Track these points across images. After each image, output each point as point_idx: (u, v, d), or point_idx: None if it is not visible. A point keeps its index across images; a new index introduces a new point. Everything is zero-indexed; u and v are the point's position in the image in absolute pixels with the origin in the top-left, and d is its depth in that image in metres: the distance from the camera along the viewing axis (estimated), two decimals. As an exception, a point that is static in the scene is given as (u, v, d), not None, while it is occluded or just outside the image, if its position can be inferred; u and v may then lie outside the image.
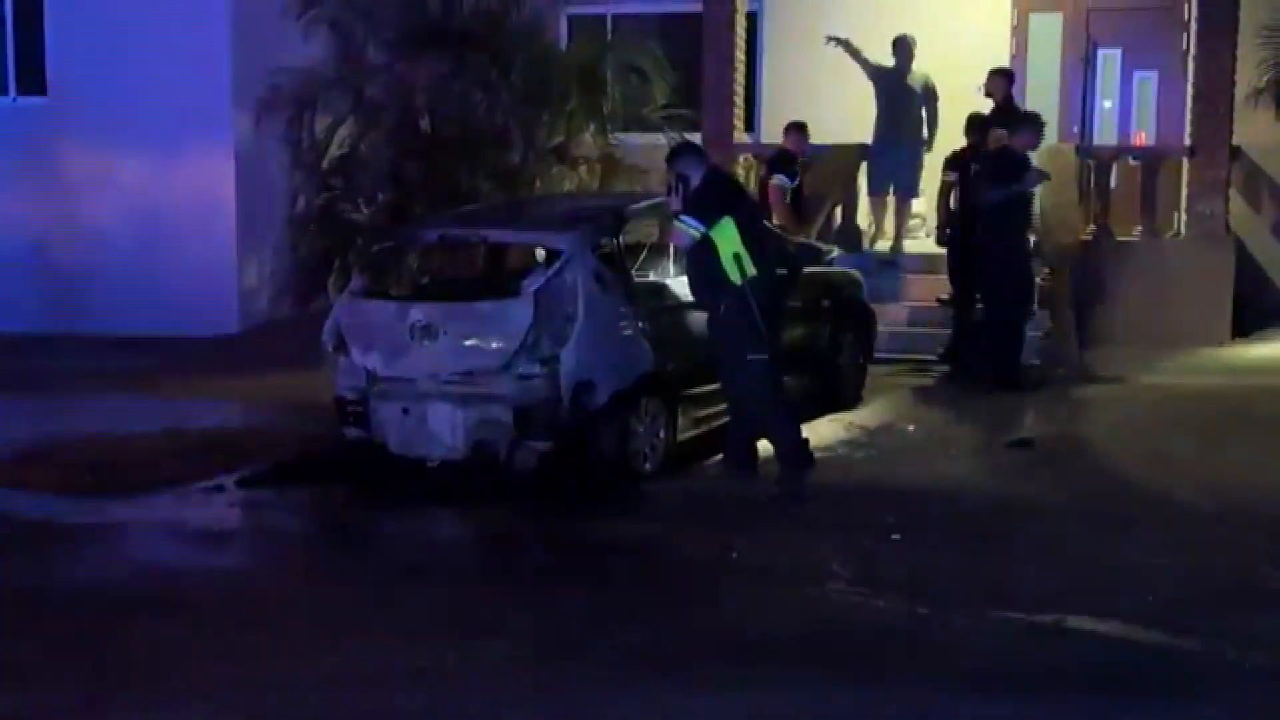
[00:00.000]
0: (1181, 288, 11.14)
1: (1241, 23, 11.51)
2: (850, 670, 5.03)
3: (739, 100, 12.73)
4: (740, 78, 12.75)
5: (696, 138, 12.50)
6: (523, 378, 7.34)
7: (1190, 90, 11.98)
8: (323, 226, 12.35)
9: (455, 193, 11.64)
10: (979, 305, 10.69)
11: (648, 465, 7.64)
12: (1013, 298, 9.98)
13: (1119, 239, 11.67)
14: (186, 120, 12.82)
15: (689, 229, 7.37)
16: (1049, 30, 13.37)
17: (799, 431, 7.61)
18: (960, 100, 11.49)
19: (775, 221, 10.58)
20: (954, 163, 10.75)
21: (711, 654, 5.19)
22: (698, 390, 8.08)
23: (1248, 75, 11.64)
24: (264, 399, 9.76)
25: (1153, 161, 11.92)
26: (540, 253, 7.80)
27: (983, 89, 11.46)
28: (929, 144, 12.09)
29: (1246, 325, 11.30)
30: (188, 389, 10.34)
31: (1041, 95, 13.16)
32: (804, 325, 9.05)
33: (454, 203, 11.29)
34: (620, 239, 8.05)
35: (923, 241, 12.19)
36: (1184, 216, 11.97)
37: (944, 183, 10.81)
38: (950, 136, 11.24)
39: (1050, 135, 12.81)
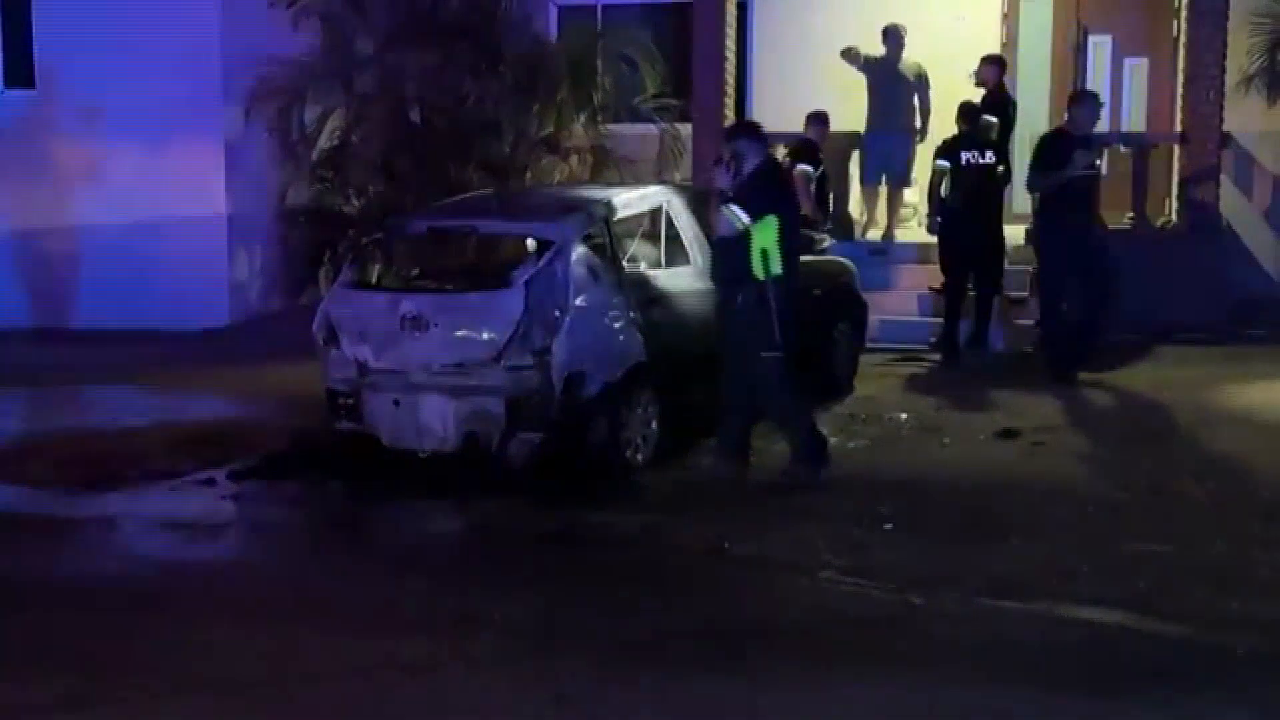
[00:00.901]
0: (1174, 275, 11.14)
1: (1232, 9, 11.51)
2: (842, 659, 5.03)
3: (730, 89, 12.71)
4: (731, 67, 12.72)
5: (687, 128, 12.52)
6: (514, 369, 7.32)
7: (1181, 77, 11.97)
8: (313, 218, 12.38)
9: (445, 184, 11.64)
10: (971, 293, 10.72)
11: (640, 456, 7.63)
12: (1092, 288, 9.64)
13: (1111, 226, 11.66)
14: (176, 112, 12.75)
15: (735, 219, 7.24)
16: (1040, 17, 13.36)
17: (812, 427, 7.54)
18: (952, 88, 11.48)
19: (803, 210, 10.64)
20: (945, 151, 10.74)
21: (704, 643, 5.19)
22: (690, 380, 8.07)
23: (1239, 62, 11.64)
24: (255, 392, 9.75)
25: (1144, 149, 11.93)
26: (531, 243, 7.77)
27: (974, 76, 11.48)
28: (922, 132, 12.08)
29: (1238, 312, 11.30)
30: (178, 382, 10.32)
31: (1033, 83, 13.17)
32: (795, 313, 9.03)
33: (444, 194, 11.28)
34: (611, 229, 8.03)
35: (914, 230, 12.19)
36: (1176, 204, 11.98)
37: (935, 171, 10.80)
38: (944, 125, 11.23)
39: (1040, 123, 12.86)
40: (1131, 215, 11.72)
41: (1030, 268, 11.34)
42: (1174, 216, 12.00)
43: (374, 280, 8.03)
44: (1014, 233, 11.32)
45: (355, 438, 7.73)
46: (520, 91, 12.05)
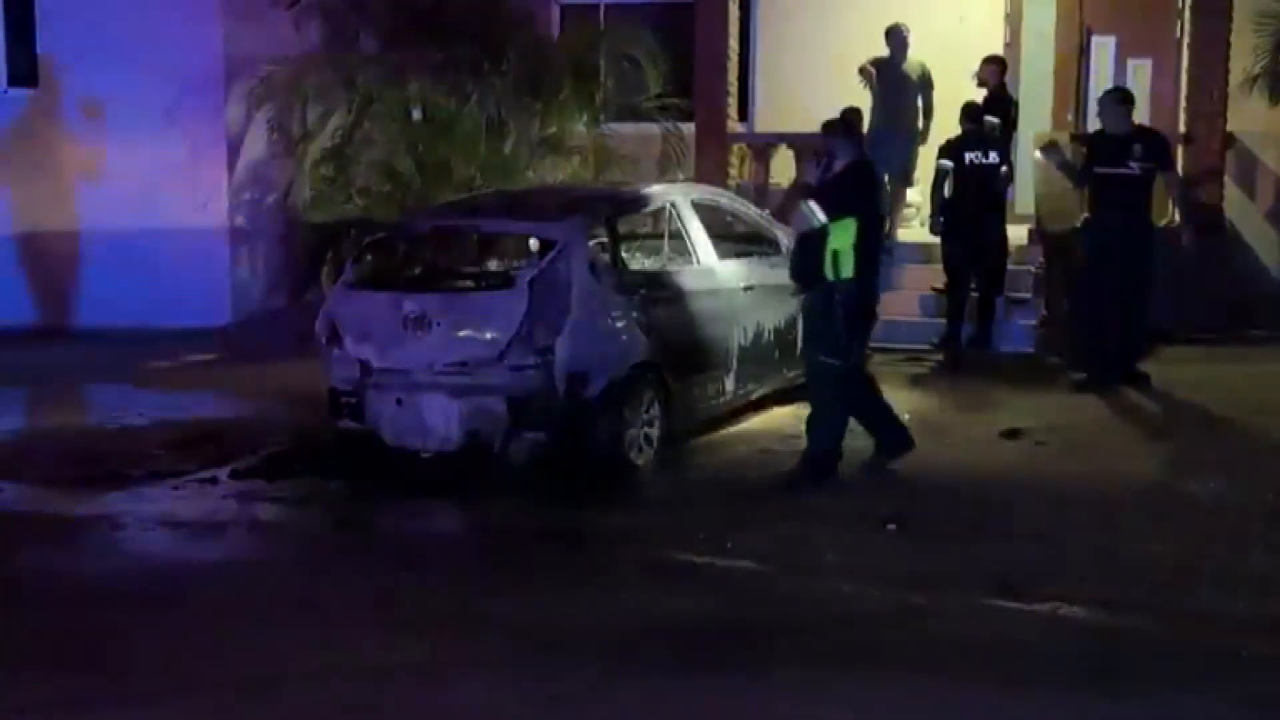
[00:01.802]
0: (1177, 275, 11.12)
1: (1235, 9, 11.49)
2: (844, 659, 5.02)
3: (732, 89, 12.69)
4: (734, 67, 12.71)
5: (689, 127, 12.51)
6: (517, 368, 7.32)
7: (1185, 77, 11.96)
8: (315, 217, 12.35)
9: (448, 182, 11.64)
10: (974, 293, 10.70)
11: (642, 455, 7.62)
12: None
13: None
14: (178, 110, 12.76)
15: (812, 215, 7.13)
16: (1043, 17, 13.34)
17: (834, 449, 7.37)
18: (955, 89, 11.47)
19: None
20: (948, 151, 10.73)
21: (706, 643, 5.18)
22: (694, 380, 8.07)
23: (1242, 62, 11.62)
24: (257, 391, 9.74)
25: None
26: (534, 243, 7.77)
27: (975, 77, 11.47)
28: (924, 133, 12.07)
29: (1240, 312, 11.28)
30: (180, 381, 10.32)
31: (1036, 83, 13.15)
32: (798, 314, 9.03)
33: (447, 192, 11.29)
34: (615, 229, 8.03)
35: (917, 230, 12.18)
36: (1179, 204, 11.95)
37: (938, 171, 10.79)
38: (947, 125, 11.21)
39: (1043, 123, 12.85)
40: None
41: (1033, 268, 11.34)
42: (1177, 217, 11.98)
43: (377, 279, 8.03)
44: (1017, 233, 11.31)
45: (358, 437, 7.73)
46: (523, 90, 12.04)
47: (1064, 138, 12.00)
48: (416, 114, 12.12)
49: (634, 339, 7.66)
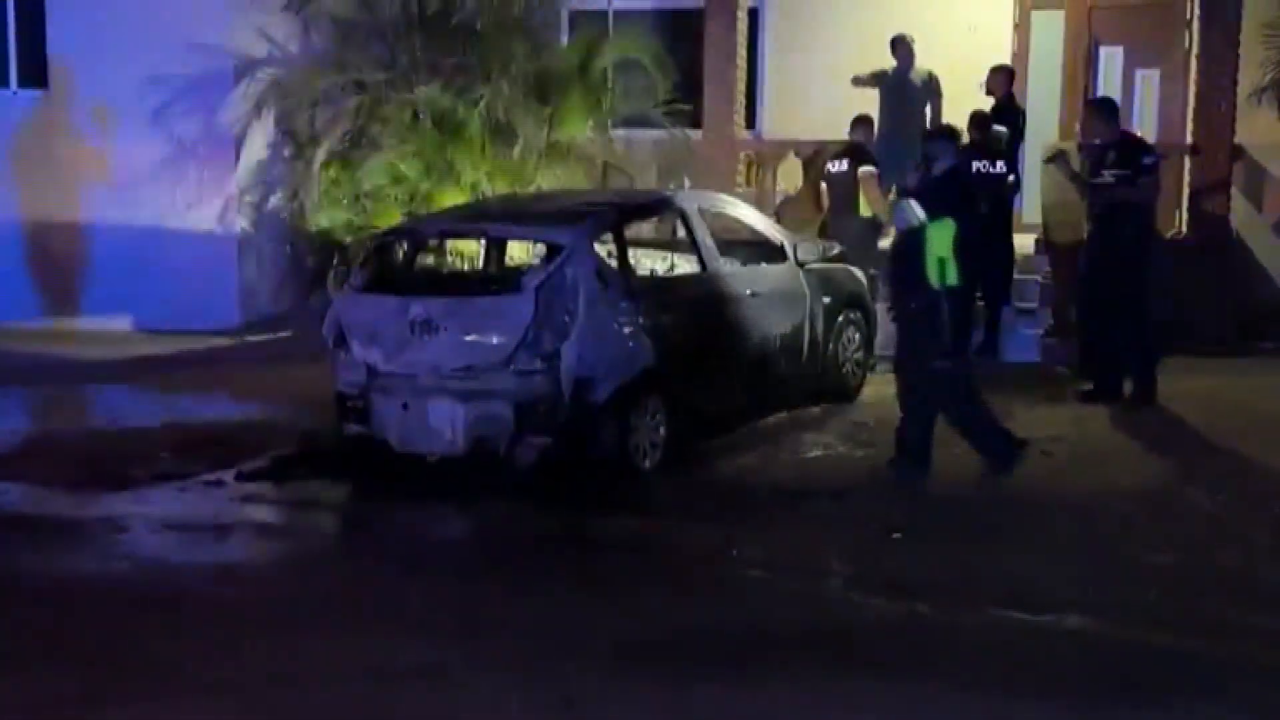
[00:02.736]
0: (1184, 287, 11.11)
1: (1244, 21, 11.48)
2: (848, 667, 5.02)
3: (740, 96, 12.70)
4: (741, 73, 12.72)
5: (697, 134, 12.53)
6: (523, 373, 7.32)
7: (1193, 89, 11.95)
8: (324, 220, 12.37)
9: (456, 186, 11.66)
10: (980, 302, 10.67)
11: (648, 461, 7.62)
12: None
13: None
14: (187, 113, 12.79)
15: (911, 213, 7.17)
16: (1051, 27, 13.35)
17: (994, 426, 7.50)
18: (963, 98, 11.48)
19: (869, 211, 10.65)
20: (956, 160, 10.72)
21: (711, 649, 5.18)
22: (699, 386, 8.07)
23: (1250, 74, 11.61)
24: (264, 393, 9.75)
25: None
26: (541, 248, 7.77)
27: (983, 86, 11.47)
28: (932, 142, 12.06)
29: (1248, 324, 11.27)
30: (187, 383, 10.33)
31: (1043, 93, 13.15)
32: (805, 321, 9.05)
33: (455, 196, 11.31)
34: (622, 234, 8.03)
35: (924, 239, 12.15)
36: (1186, 215, 11.95)
37: (945, 180, 10.78)
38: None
39: (1051, 133, 12.85)
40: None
41: (1040, 278, 11.33)
42: (1184, 228, 11.97)
43: (384, 283, 8.03)
44: (1024, 243, 11.31)
45: (364, 441, 7.73)
46: (530, 96, 12.06)
47: (1071, 147, 12.02)
48: (424, 118, 12.14)
49: (640, 345, 7.66)
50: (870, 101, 12.03)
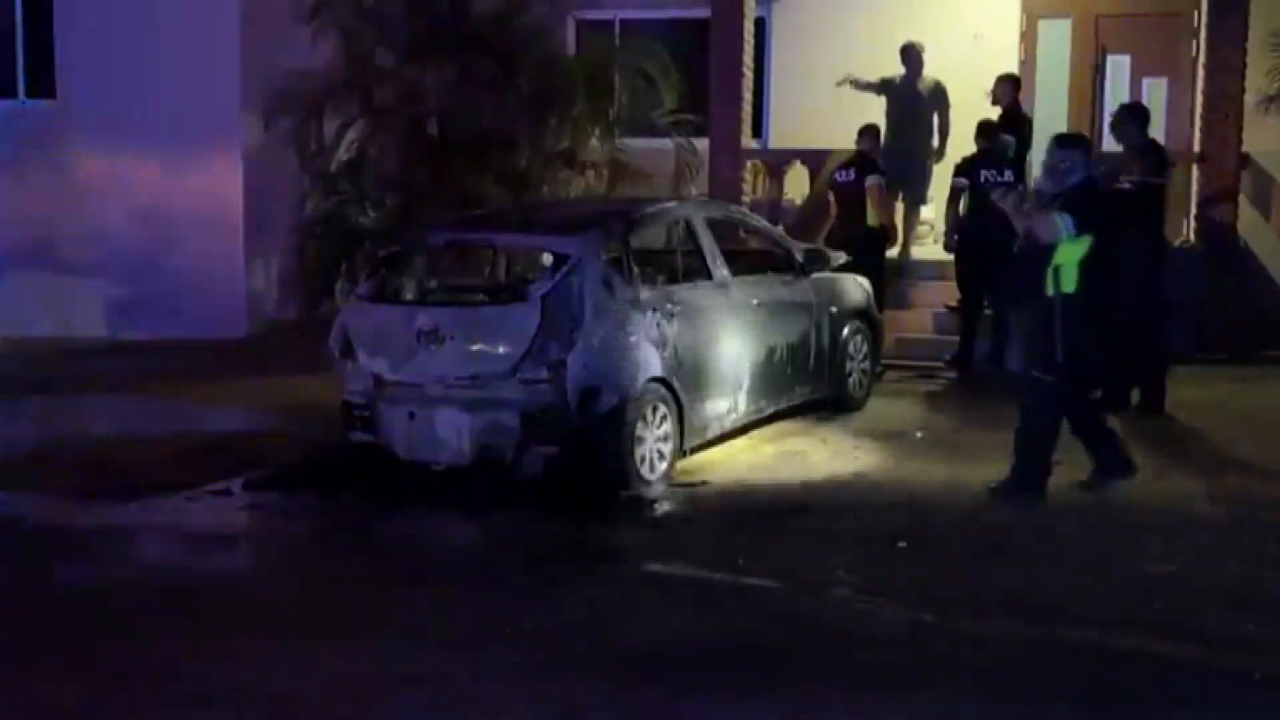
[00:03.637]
0: (1190, 296, 11.09)
1: (1252, 29, 11.48)
2: (854, 678, 5.00)
3: (747, 105, 12.71)
4: (748, 82, 12.73)
5: (703, 143, 12.53)
6: (529, 383, 7.32)
7: (1200, 97, 11.94)
8: (330, 230, 12.38)
9: (463, 197, 11.66)
10: (987, 310, 10.67)
11: (654, 471, 7.61)
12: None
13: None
14: (195, 123, 12.84)
15: (1061, 226, 6.94)
16: (1058, 36, 13.35)
17: (1041, 467, 7.27)
18: (971, 106, 11.48)
19: (877, 220, 10.64)
20: (963, 169, 10.73)
21: (716, 660, 5.17)
22: (706, 396, 8.07)
23: (1258, 82, 11.60)
24: (271, 402, 9.76)
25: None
26: (547, 257, 7.77)
27: (990, 95, 11.47)
28: (940, 151, 12.06)
29: (1255, 332, 11.24)
30: (194, 392, 10.35)
31: (1050, 101, 13.15)
32: (811, 331, 9.05)
33: (462, 207, 11.31)
34: (629, 244, 8.04)
35: (931, 248, 12.17)
36: (1194, 224, 11.94)
37: (953, 189, 10.79)
38: (962, 143, 11.22)
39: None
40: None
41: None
42: (1191, 237, 11.96)
43: (391, 293, 8.05)
44: (1031, 251, 11.27)
45: (370, 450, 7.74)
46: (537, 105, 12.07)
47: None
48: (432, 128, 12.15)
49: (647, 354, 7.66)
50: (878, 110, 12.04)
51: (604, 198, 11.69)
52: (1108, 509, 7.11)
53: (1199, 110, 11.95)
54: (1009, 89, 11.51)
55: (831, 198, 11.29)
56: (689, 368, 7.90)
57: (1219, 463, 8.09)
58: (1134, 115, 9.48)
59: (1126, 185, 9.04)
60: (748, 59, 12.71)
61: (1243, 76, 11.46)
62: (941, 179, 11.47)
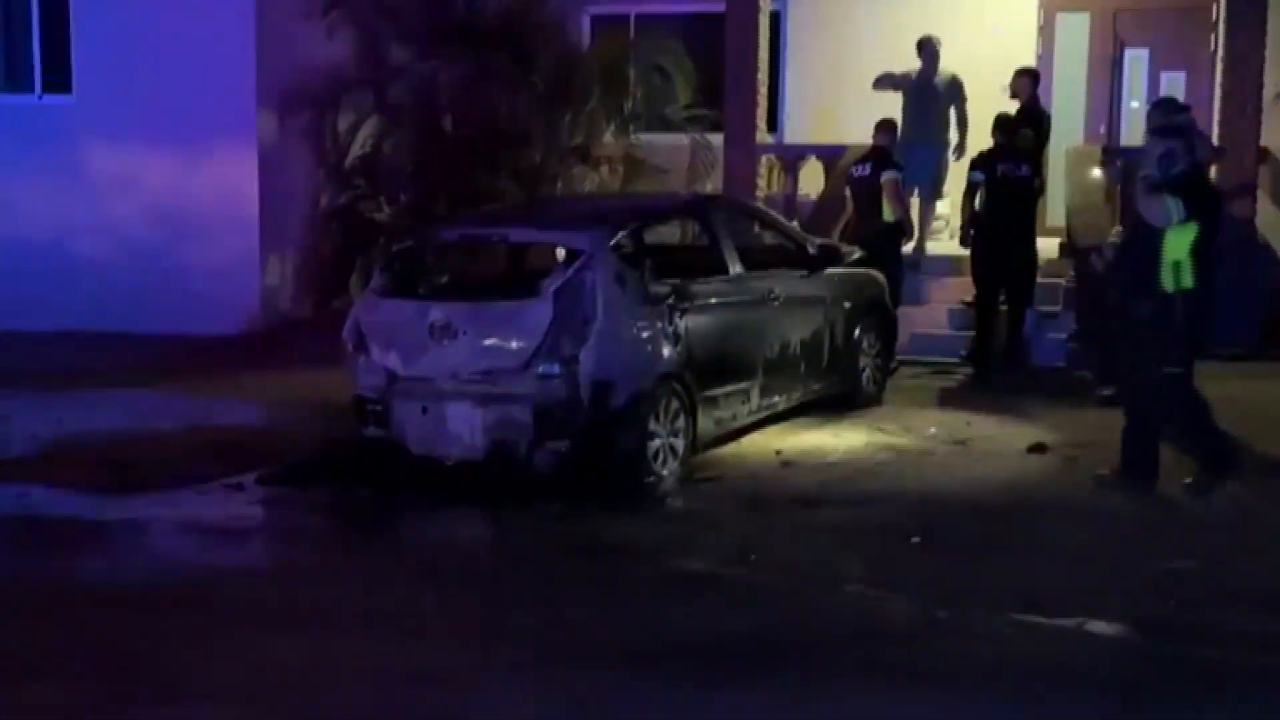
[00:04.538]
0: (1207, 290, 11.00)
1: (1270, 23, 11.39)
2: (867, 672, 4.98)
3: (762, 100, 12.67)
4: (763, 77, 12.69)
5: (718, 138, 12.51)
6: (542, 377, 7.30)
7: (1218, 91, 11.87)
8: (345, 225, 12.44)
9: (477, 192, 11.67)
10: (1003, 306, 10.61)
11: (667, 467, 7.59)
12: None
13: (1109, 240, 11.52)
14: (211, 119, 12.85)
15: (1172, 210, 6.86)
16: (1076, 30, 13.28)
17: (1220, 438, 7.21)
18: (988, 101, 11.42)
19: (893, 216, 10.58)
20: (981, 163, 10.67)
21: (728, 655, 5.15)
22: (719, 392, 8.04)
23: (1276, 76, 11.53)
24: (285, 397, 9.77)
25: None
26: (560, 252, 7.76)
27: (1007, 89, 11.41)
28: (960, 146, 12.00)
29: (1272, 328, 11.15)
30: (209, 387, 10.36)
31: (1068, 95, 13.09)
32: (825, 326, 9.01)
33: (476, 202, 11.32)
34: (642, 238, 8.01)
35: (946, 243, 12.12)
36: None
37: (970, 184, 10.73)
38: (980, 137, 11.17)
39: (1075, 136, 12.77)
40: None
41: (1065, 282, 11.25)
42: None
43: (404, 287, 8.04)
44: (1047, 246, 11.23)
45: (383, 445, 7.74)
46: (552, 100, 12.07)
47: (1097, 152, 11.95)
48: (446, 123, 12.16)
49: (660, 349, 7.64)
50: (894, 105, 11.99)
51: (618, 193, 11.68)
52: (1123, 505, 7.06)
53: (1217, 104, 11.87)
54: (1027, 83, 11.44)
55: (847, 193, 11.24)
56: (702, 363, 7.87)
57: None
58: (1172, 109, 9.37)
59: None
60: (763, 54, 12.67)
61: (1261, 70, 11.38)
62: (958, 174, 11.41)
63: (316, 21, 12.26)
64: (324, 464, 7.98)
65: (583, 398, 7.28)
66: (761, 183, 12.67)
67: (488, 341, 7.45)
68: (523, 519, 7.05)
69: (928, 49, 12.04)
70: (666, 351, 7.65)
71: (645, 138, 12.68)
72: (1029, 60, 12.54)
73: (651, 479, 7.46)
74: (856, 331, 9.32)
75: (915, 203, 12.18)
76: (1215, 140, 11.85)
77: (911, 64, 12.10)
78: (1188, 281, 6.93)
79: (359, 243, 12.26)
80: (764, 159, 12.76)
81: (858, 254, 9.79)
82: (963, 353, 10.86)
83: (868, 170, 10.86)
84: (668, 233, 9.14)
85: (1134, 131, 12.46)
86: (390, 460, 7.70)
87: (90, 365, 11.23)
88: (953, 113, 12.05)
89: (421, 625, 5.54)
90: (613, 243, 7.77)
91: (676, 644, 5.28)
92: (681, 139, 12.40)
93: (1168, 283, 6.95)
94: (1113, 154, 11.16)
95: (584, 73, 12.30)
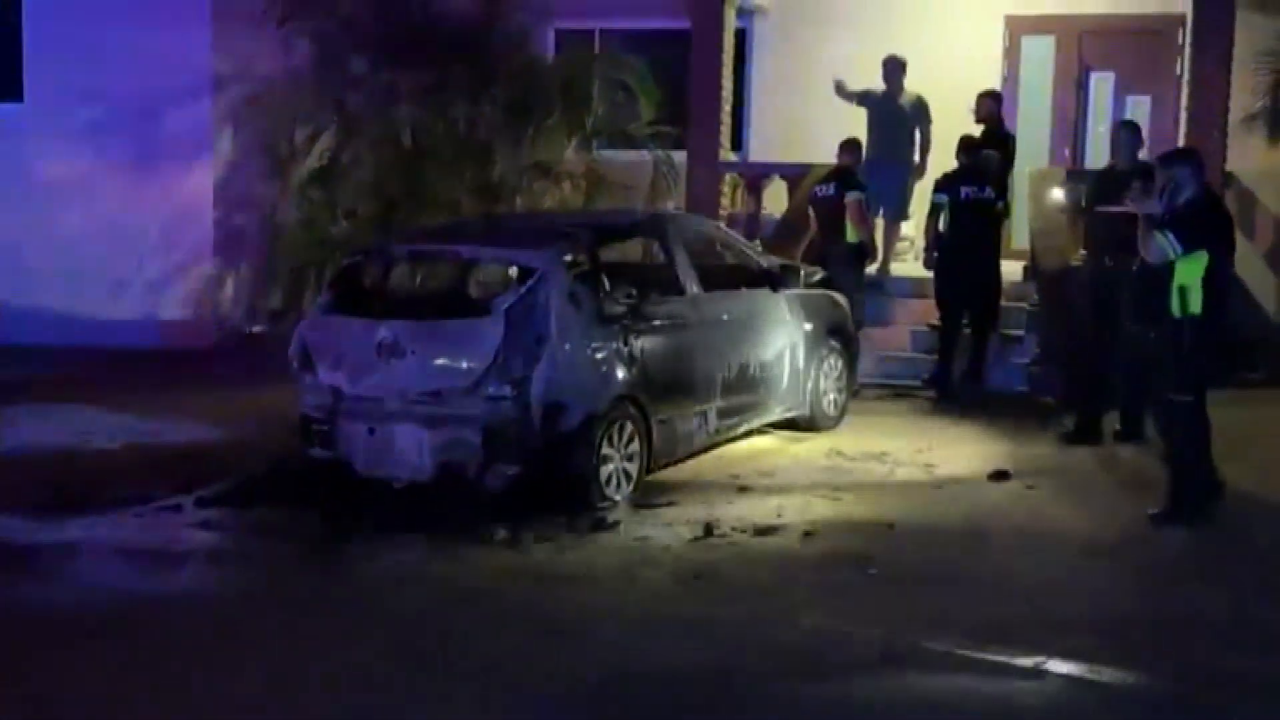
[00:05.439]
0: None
1: (1236, 48, 11.36)
2: (823, 709, 4.83)
3: (726, 118, 12.54)
4: (728, 95, 12.56)
5: (682, 155, 12.36)
6: (492, 398, 7.12)
7: (1184, 115, 11.81)
8: (300, 239, 12.19)
9: (436, 206, 11.48)
10: (966, 329, 10.49)
11: (620, 491, 7.41)
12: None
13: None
14: (165, 128, 12.65)
15: (1168, 247, 6.84)
16: (1041, 52, 13.22)
17: (1202, 480, 7.10)
18: (953, 121, 11.32)
19: (856, 237, 10.45)
20: (944, 185, 10.57)
21: (684, 689, 4.99)
22: (675, 414, 7.87)
23: (1242, 100, 11.49)
24: (232, 415, 9.54)
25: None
26: (513, 270, 7.57)
27: (972, 111, 11.33)
28: (921, 167, 11.91)
29: (1237, 355, 11.07)
30: (155, 404, 10.10)
31: (1033, 119, 13.02)
32: (785, 348, 8.86)
33: (435, 216, 11.12)
34: (597, 257, 7.84)
35: (911, 265, 12.01)
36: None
37: (934, 205, 10.63)
38: (944, 158, 11.06)
39: (1040, 159, 12.69)
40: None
41: (1028, 305, 11.14)
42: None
43: (351, 305, 7.82)
44: (1011, 269, 11.13)
45: (329, 466, 7.52)
46: (513, 114, 11.89)
47: (1060, 174, 11.86)
48: (405, 136, 11.96)
49: (614, 370, 7.47)
50: (859, 124, 11.89)
51: (575, 210, 11.51)
52: (1085, 536, 6.92)
53: (1183, 128, 11.81)
54: (992, 105, 11.39)
55: (811, 212, 11.11)
56: (658, 384, 7.70)
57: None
58: (1136, 132, 9.32)
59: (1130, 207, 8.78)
60: (728, 72, 12.54)
61: (1226, 95, 11.34)
62: (923, 195, 11.31)
63: (272, 31, 12.04)
64: (268, 485, 7.75)
65: (534, 419, 7.11)
66: (725, 201, 12.54)
67: (437, 361, 7.26)
68: (470, 545, 6.83)
69: (892, 68, 11.96)
70: (621, 373, 7.48)
71: (608, 154, 12.53)
72: (994, 82, 12.47)
73: (604, 504, 7.27)
74: (818, 353, 9.16)
75: (880, 223, 12.08)
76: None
77: (876, 83, 12.01)
78: (1195, 308, 6.86)
79: (315, 257, 12.02)
80: (728, 177, 12.63)
81: (819, 274, 9.66)
82: (925, 376, 10.73)
83: (832, 190, 10.74)
84: (625, 251, 8.95)
85: (1098, 154, 12.41)
86: (336, 482, 7.48)
87: (32, 380, 10.95)
88: (917, 133, 11.97)
89: (361, 655, 5.32)
90: (567, 261, 7.59)
91: (630, 678, 5.12)
92: (644, 156, 12.25)
93: (1174, 308, 6.90)
94: (1076, 176, 11.06)
95: (546, 87, 12.13)
